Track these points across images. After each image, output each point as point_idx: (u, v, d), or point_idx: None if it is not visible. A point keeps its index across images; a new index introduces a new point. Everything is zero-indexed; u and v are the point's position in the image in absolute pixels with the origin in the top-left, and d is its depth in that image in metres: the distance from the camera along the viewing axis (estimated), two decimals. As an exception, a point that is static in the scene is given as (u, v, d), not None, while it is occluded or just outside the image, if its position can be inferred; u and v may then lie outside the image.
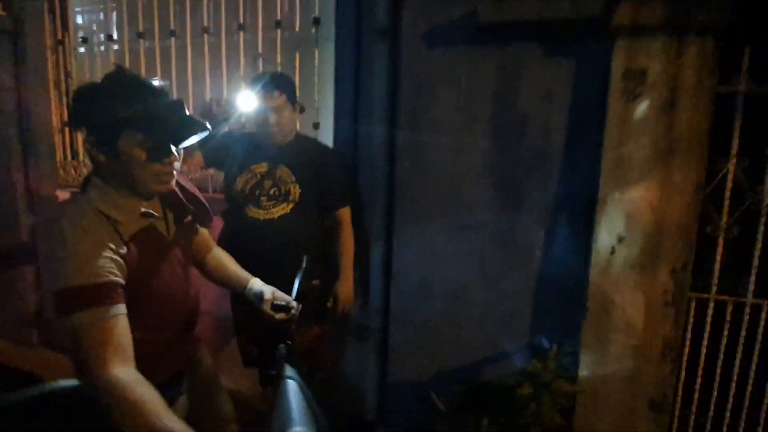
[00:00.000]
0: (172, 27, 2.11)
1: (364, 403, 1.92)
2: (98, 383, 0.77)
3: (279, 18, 1.90)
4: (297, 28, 1.89)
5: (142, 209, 0.94)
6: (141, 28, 2.18)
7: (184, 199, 1.05)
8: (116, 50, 2.29)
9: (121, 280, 0.86)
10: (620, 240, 1.41)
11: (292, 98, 1.62)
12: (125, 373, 0.78)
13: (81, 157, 2.43)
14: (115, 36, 2.31)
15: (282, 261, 1.59)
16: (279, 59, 1.93)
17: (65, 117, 2.40)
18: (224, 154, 1.72)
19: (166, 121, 0.87)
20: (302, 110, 1.75)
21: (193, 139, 0.93)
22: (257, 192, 1.63)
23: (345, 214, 1.71)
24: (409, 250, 1.74)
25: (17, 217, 2.51)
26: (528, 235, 1.59)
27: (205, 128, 0.92)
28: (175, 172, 0.95)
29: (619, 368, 1.48)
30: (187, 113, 0.91)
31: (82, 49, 2.43)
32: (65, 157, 2.44)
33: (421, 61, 1.62)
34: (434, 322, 1.76)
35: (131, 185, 0.91)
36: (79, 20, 2.45)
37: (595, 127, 1.40)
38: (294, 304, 1.22)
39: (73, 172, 2.41)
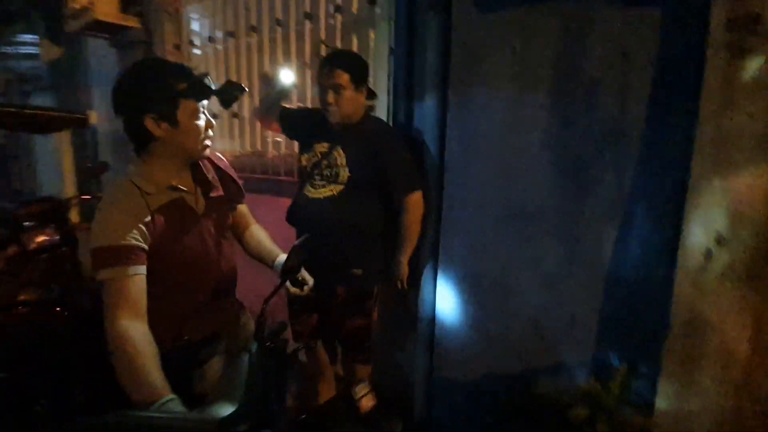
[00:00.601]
0: (253, 23, 2.29)
1: (413, 398, 1.86)
2: (108, 333, 0.88)
3: (339, 3, 1.90)
4: (354, 10, 1.86)
5: (172, 182, 1.05)
6: (231, 28, 2.43)
7: (210, 175, 1.15)
8: (216, 49, 2.60)
9: (143, 245, 0.97)
10: (719, 241, 1.06)
11: (357, 79, 1.54)
12: (133, 328, 0.87)
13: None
14: (217, 36, 2.62)
15: (325, 242, 1.61)
16: (339, 44, 1.94)
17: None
18: (296, 128, 1.78)
19: (209, 89, 1.01)
20: (371, 94, 1.67)
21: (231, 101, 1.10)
22: (315, 171, 1.64)
23: (411, 201, 1.59)
24: (456, 239, 1.60)
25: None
26: (596, 228, 1.31)
27: (242, 89, 1.09)
28: (209, 141, 1.08)
29: (713, 406, 1.14)
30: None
31: (197, 51, 2.82)
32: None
33: (471, 27, 1.45)
34: (482, 320, 1.59)
35: (183, 152, 1.05)
36: (195, 27, 2.83)
37: (686, 94, 1.06)
38: (310, 282, 1.22)
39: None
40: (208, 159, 1.21)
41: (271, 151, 2.35)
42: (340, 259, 1.63)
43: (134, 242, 0.95)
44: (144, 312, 0.92)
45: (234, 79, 2.45)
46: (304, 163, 1.68)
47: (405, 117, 1.72)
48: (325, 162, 1.62)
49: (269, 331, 0.85)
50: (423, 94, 1.61)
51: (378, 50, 1.78)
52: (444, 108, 1.55)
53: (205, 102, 1.06)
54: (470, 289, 1.60)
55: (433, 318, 1.72)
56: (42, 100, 4.66)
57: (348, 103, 1.54)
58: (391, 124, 1.83)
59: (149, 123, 0.98)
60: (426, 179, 1.63)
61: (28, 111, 2.52)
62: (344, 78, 1.51)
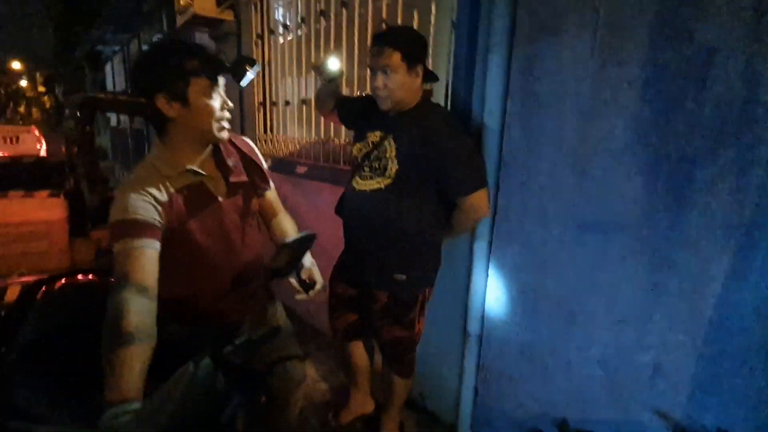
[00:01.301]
0: (322, 7, 2.24)
1: (458, 418, 1.67)
2: (108, 304, 0.84)
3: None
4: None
5: (188, 166, 1.03)
6: (304, 14, 2.42)
7: (232, 160, 1.12)
8: (290, 38, 2.63)
9: (156, 222, 0.96)
10: None
11: (410, 58, 1.34)
12: (134, 302, 0.83)
13: (274, 131, 2.94)
14: (289, 24, 2.64)
15: (367, 240, 1.48)
16: (400, 22, 1.77)
17: (260, 98, 2.94)
18: (352, 117, 1.66)
19: (219, 65, 0.97)
20: (430, 76, 1.48)
21: (250, 75, 1.11)
22: (365, 161, 1.49)
23: (469, 202, 1.34)
24: (511, 250, 1.35)
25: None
26: (700, 252, 0.97)
27: (252, 62, 1.09)
28: (227, 123, 1.04)
29: None
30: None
31: (281, 39, 2.89)
32: (264, 131, 3.01)
33: (544, -10, 1.17)
34: (538, 350, 1.32)
35: (199, 134, 1.02)
36: (278, 15, 2.89)
37: None
38: (319, 287, 1.11)
39: (266, 144, 2.95)
40: (232, 143, 1.17)
41: (333, 140, 2.30)
42: (381, 261, 1.48)
43: (147, 218, 0.94)
44: (151, 288, 0.89)
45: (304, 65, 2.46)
46: (355, 153, 1.56)
47: (464, 101, 1.49)
48: (375, 153, 1.47)
49: (245, 339, 0.73)
50: (485, 72, 1.37)
51: (439, 26, 1.57)
52: (507, 90, 1.30)
53: (221, 83, 1.01)
54: (525, 311, 1.34)
55: (480, 336, 1.49)
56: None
57: (399, 86, 1.35)
58: (449, 109, 1.62)
59: (161, 102, 0.96)
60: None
61: (128, 99, 2.83)
62: (394, 58, 1.32)
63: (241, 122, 3.08)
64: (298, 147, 2.60)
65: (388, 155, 1.42)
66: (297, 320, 2.67)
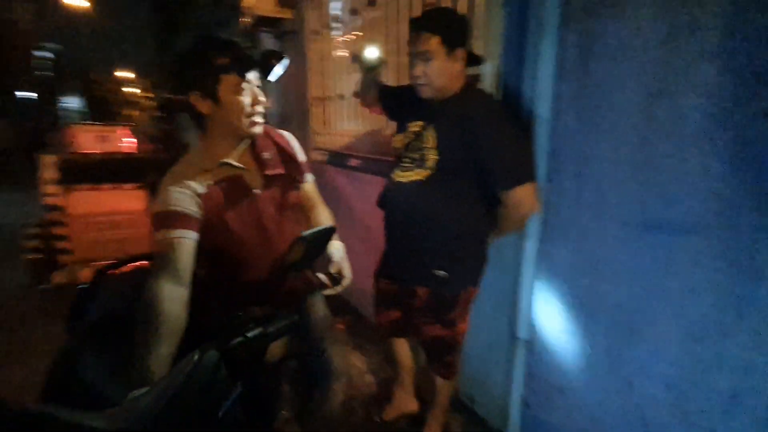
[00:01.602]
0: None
1: (507, 426, 1.57)
2: (144, 292, 0.89)
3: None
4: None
5: (224, 159, 1.07)
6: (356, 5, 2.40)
7: (268, 153, 1.15)
8: (343, 31, 2.63)
9: (193, 214, 1.00)
10: None
11: (450, 41, 1.25)
12: (168, 289, 0.88)
13: (330, 125, 2.99)
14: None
15: (408, 233, 1.44)
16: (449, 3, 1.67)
17: (315, 93, 2.99)
18: (394, 107, 1.62)
19: (248, 60, 0.99)
20: (474, 59, 1.37)
21: (278, 69, 1.07)
22: (406, 152, 1.44)
23: (515, 196, 1.23)
24: (563, 250, 1.21)
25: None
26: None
27: (279, 56, 1.06)
28: (260, 115, 1.06)
29: None
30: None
31: (337, 33, 2.91)
32: (320, 126, 3.07)
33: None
34: (593, 363, 1.18)
35: (232, 129, 1.05)
36: (335, 10, 2.92)
37: None
38: (346, 282, 1.09)
39: (321, 138, 3.01)
40: (269, 137, 1.19)
41: (383, 131, 2.27)
42: (421, 256, 1.42)
43: (184, 210, 0.98)
44: (186, 277, 0.93)
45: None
46: (396, 144, 1.51)
47: (515, 87, 1.37)
48: (416, 143, 1.42)
49: (258, 332, 0.72)
50: (537, 52, 1.24)
51: (490, 4, 1.45)
52: (560, 71, 1.16)
53: (252, 78, 1.02)
54: (578, 318, 1.20)
55: (529, 342, 1.37)
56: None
57: (439, 72, 1.27)
58: (500, 96, 1.50)
59: (195, 100, 1.00)
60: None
61: (179, 98, 3.02)
62: (433, 42, 1.24)
63: (298, 117, 3.18)
64: (351, 140, 2.62)
65: (427, 145, 1.35)
66: (351, 311, 2.70)
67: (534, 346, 1.36)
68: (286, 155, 1.20)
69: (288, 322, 0.82)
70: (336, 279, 1.08)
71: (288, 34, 3.21)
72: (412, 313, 1.52)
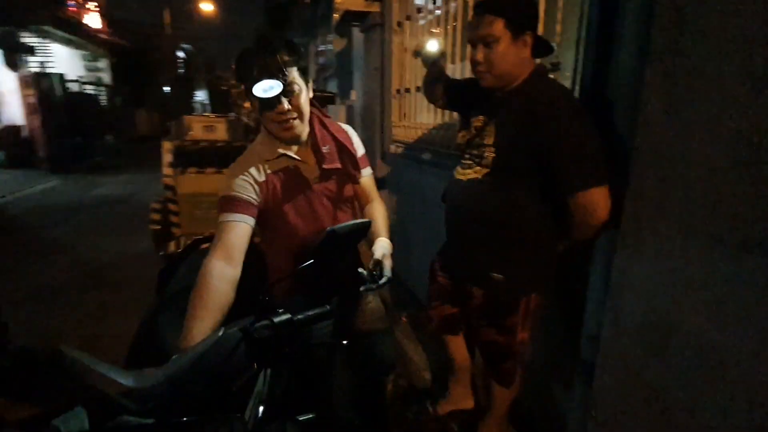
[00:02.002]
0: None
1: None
2: (202, 264, 0.97)
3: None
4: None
5: (280, 150, 1.14)
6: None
7: (327, 148, 1.18)
8: (424, 22, 2.58)
9: (251, 199, 1.08)
10: None
11: (516, 25, 1.14)
12: (219, 266, 0.95)
13: (408, 117, 2.98)
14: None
15: (465, 232, 1.39)
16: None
17: (396, 85, 2.99)
18: (458, 100, 1.55)
19: (252, 74, 1.00)
20: (542, 46, 1.23)
21: (271, 88, 0.99)
22: (467, 149, 1.38)
23: (583, 201, 1.10)
24: (640, 263, 1.05)
25: (374, 162, 3.46)
26: None
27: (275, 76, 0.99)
28: (295, 121, 1.08)
29: None
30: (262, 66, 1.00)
31: (422, 21, 2.87)
32: (399, 118, 3.07)
33: None
34: (666, 393, 1.02)
35: (269, 131, 1.13)
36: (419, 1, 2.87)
37: None
38: (384, 280, 1.07)
39: (399, 131, 3.01)
40: (328, 131, 1.22)
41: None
42: (477, 257, 1.36)
43: (244, 195, 1.06)
44: (237, 258, 0.99)
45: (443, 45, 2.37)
46: (459, 140, 1.46)
47: (593, 77, 1.22)
48: (478, 139, 1.34)
49: (285, 318, 0.74)
50: (622, 35, 1.08)
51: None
52: (646, 53, 1.00)
53: (263, 89, 1.01)
54: (652, 344, 1.04)
55: (593, 364, 1.23)
56: (332, 85, 5.96)
57: (502, 58, 1.17)
58: (574, 87, 1.35)
59: (250, 97, 1.04)
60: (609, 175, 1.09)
61: None
62: (496, 26, 1.14)
63: (381, 110, 3.23)
64: (427, 133, 2.58)
65: (486, 142, 1.27)
66: (416, 304, 2.69)
67: (599, 369, 1.21)
68: (345, 150, 1.23)
69: (319, 312, 0.84)
70: (374, 276, 1.08)
71: (374, 27, 3.26)
72: (469, 312, 1.47)
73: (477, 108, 1.38)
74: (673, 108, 0.94)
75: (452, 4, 2.20)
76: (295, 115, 1.08)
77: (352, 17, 3.34)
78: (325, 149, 1.19)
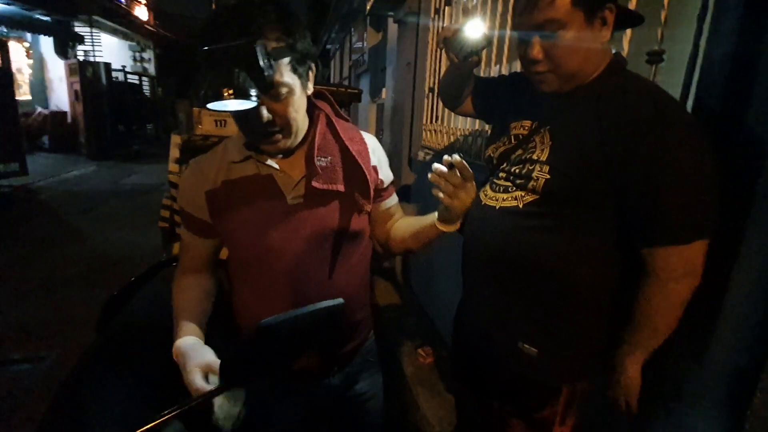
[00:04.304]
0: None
1: None
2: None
3: None
4: None
5: (247, 153, 0.84)
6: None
7: (327, 160, 0.86)
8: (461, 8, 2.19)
9: (197, 215, 0.88)
10: None
11: (589, 1, 0.78)
12: (186, 279, 0.91)
13: (441, 120, 2.60)
14: None
15: (489, 280, 0.99)
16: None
17: (431, 83, 2.61)
18: (490, 104, 1.15)
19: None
20: (628, 18, 0.86)
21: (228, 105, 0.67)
22: (502, 164, 0.98)
23: (664, 258, 0.77)
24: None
25: (400, 169, 3.11)
26: None
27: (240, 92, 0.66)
28: (278, 135, 0.77)
29: None
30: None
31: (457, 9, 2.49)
32: (429, 120, 2.69)
33: None
34: None
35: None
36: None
37: None
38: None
39: (429, 134, 2.63)
40: (337, 139, 0.89)
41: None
42: (503, 318, 0.96)
43: (188, 209, 0.89)
44: (197, 267, 0.93)
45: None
46: (490, 153, 1.05)
47: (727, 73, 0.80)
48: (519, 152, 0.94)
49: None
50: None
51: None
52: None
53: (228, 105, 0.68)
54: None
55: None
56: (365, 82, 5.66)
57: (572, 51, 0.80)
58: (693, 91, 0.92)
59: None
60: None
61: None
62: (560, 5, 0.77)
63: (411, 110, 2.86)
64: (458, 139, 2.19)
65: (536, 157, 0.87)
66: (438, 340, 2.33)
67: None
68: (355, 169, 0.88)
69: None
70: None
71: (410, 16, 2.89)
72: (489, 392, 1.07)
73: (518, 110, 0.99)
74: None
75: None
76: (277, 128, 0.76)
77: (386, 4, 2.98)
78: (322, 161, 0.84)
